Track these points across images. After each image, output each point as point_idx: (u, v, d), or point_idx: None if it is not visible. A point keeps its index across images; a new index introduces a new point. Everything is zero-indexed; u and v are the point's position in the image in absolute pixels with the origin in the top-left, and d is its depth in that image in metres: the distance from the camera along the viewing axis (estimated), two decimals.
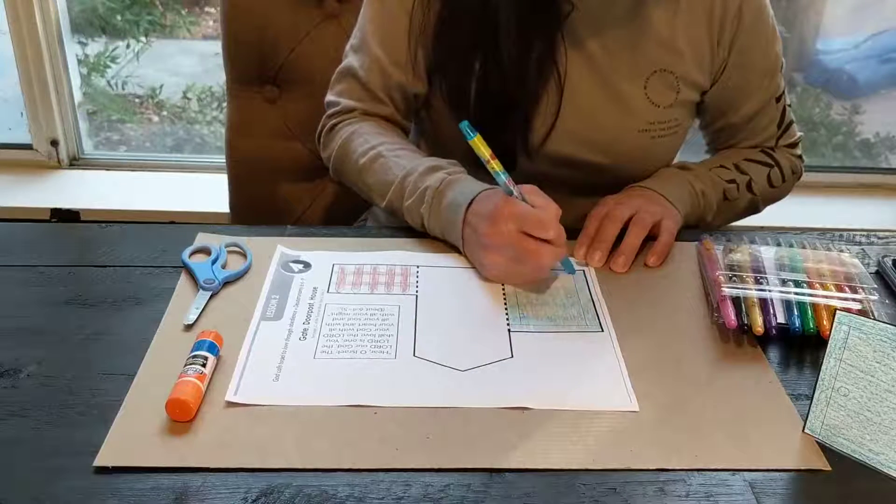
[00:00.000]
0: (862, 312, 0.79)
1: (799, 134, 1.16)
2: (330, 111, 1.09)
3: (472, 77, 1.00)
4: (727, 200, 1.07)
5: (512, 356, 0.78)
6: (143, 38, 2.08)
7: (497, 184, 0.88)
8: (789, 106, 1.13)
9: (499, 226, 0.84)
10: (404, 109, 1.07)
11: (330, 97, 1.09)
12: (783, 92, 1.11)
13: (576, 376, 0.76)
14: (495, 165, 0.86)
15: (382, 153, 0.99)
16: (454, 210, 0.89)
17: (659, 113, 1.04)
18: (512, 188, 0.86)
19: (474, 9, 0.98)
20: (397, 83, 1.04)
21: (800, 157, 1.17)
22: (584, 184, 1.07)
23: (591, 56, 1.01)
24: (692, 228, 1.02)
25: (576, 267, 0.91)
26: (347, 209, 1.26)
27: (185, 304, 0.83)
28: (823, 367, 0.68)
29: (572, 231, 0.96)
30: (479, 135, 0.85)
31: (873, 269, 0.94)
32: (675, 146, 1.10)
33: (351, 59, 1.06)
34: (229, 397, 0.71)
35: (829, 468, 0.67)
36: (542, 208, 0.85)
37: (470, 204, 0.88)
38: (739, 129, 1.12)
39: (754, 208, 1.13)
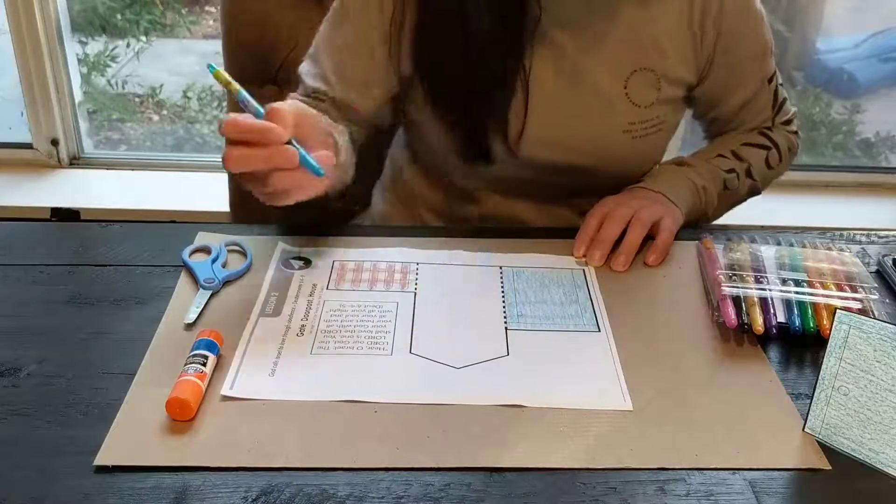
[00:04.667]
0: (862, 311, 0.79)
1: (793, 109, 1.15)
2: None
3: (452, 81, 0.99)
4: (727, 190, 1.07)
5: (508, 354, 0.78)
6: (143, 38, 2.08)
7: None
8: (781, 85, 1.12)
9: None
10: (340, 122, 0.99)
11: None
12: (774, 72, 1.10)
13: (570, 375, 0.76)
14: (231, 88, 0.77)
15: None
16: None
17: (640, 112, 1.02)
18: (247, 105, 0.77)
19: (450, 16, 0.96)
20: (335, 97, 0.99)
21: (796, 132, 1.16)
22: (575, 188, 1.07)
23: (566, 59, 1.00)
24: (693, 227, 1.02)
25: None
26: (348, 209, 1.26)
27: (185, 303, 0.83)
28: (823, 367, 0.68)
29: (571, 231, 0.96)
30: (219, 69, 0.77)
31: (873, 268, 0.94)
32: (662, 143, 1.08)
33: (303, 64, 1.03)
34: (225, 391, 0.72)
35: (829, 467, 0.67)
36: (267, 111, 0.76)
37: None
38: (734, 116, 1.11)
39: (754, 192, 1.13)
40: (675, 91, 1.04)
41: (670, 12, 1.00)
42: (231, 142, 0.74)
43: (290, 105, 0.79)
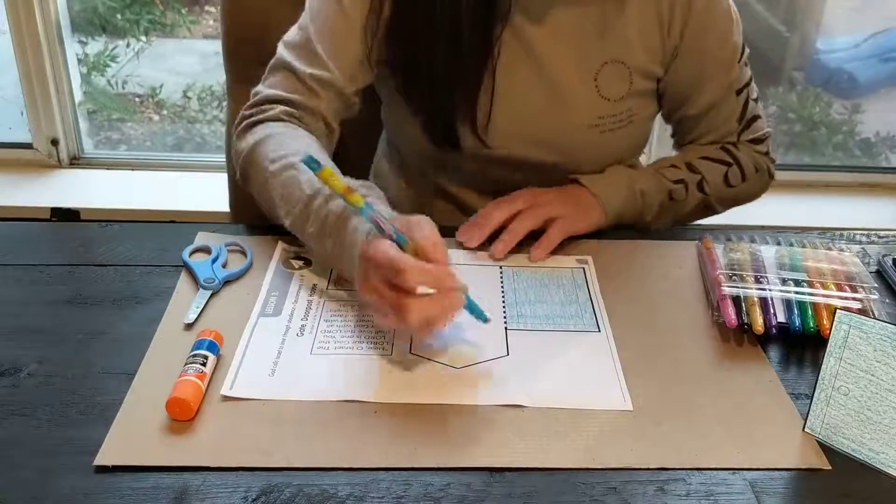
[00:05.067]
0: (862, 311, 0.79)
1: (766, 130, 1.11)
2: (251, 101, 1.00)
3: (419, 72, 0.99)
4: (673, 201, 1.05)
5: (508, 354, 0.78)
6: (143, 38, 2.08)
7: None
8: (755, 101, 1.09)
9: (363, 274, 0.74)
10: (336, 108, 0.99)
11: (257, 88, 1.01)
12: (746, 85, 1.07)
13: (570, 375, 0.76)
14: (353, 200, 0.75)
15: (295, 164, 0.87)
16: (352, 246, 0.78)
17: (609, 106, 1.02)
18: (381, 224, 0.74)
19: (422, 6, 0.95)
20: (331, 83, 0.98)
21: (766, 154, 1.12)
22: (544, 186, 1.07)
23: (535, 51, 0.99)
24: (633, 228, 1.02)
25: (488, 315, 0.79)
26: None
27: (185, 303, 0.83)
28: (823, 367, 0.68)
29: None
30: (326, 167, 0.75)
31: (873, 268, 0.94)
32: (634, 137, 1.07)
33: (284, 54, 0.99)
34: (225, 391, 0.72)
35: (829, 467, 0.67)
36: (418, 245, 0.74)
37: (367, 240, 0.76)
38: (697, 121, 1.09)
39: (709, 208, 1.10)
40: (647, 84, 1.04)
41: (641, 4, 0.99)
42: (398, 289, 0.71)
43: (434, 230, 0.76)
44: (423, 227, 0.75)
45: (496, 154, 1.03)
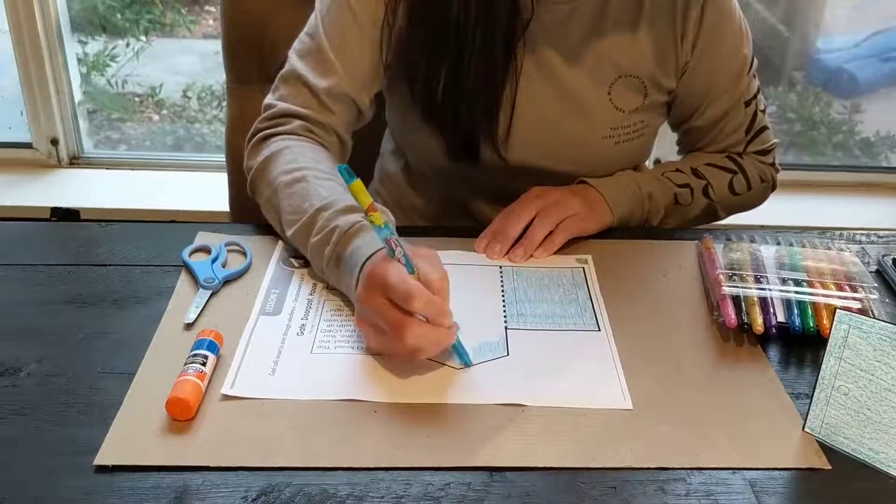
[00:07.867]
0: (862, 311, 0.79)
1: (773, 141, 1.12)
2: (265, 114, 0.99)
3: (438, 86, 0.98)
4: (678, 204, 1.05)
5: (508, 354, 0.78)
6: (143, 37, 2.08)
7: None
8: (763, 111, 1.09)
9: (369, 289, 0.74)
10: (348, 120, 1.00)
11: (269, 100, 1.00)
12: (754, 96, 1.07)
13: (571, 374, 0.76)
14: (374, 218, 0.74)
15: (307, 177, 0.88)
16: (353, 261, 0.79)
17: (623, 118, 1.02)
18: (394, 247, 0.74)
19: (436, 17, 0.95)
20: (345, 93, 0.98)
21: (772, 164, 1.13)
22: None
23: (549, 65, 1.00)
24: (632, 228, 1.02)
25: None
26: None
27: (185, 302, 0.83)
28: (823, 366, 0.68)
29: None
30: (358, 179, 0.73)
31: (873, 267, 0.94)
32: (643, 147, 1.08)
33: (297, 64, 0.98)
34: (225, 391, 0.72)
35: (829, 467, 0.68)
36: (423, 276, 0.74)
37: (370, 257, 0.78)
38: (705, 132, 1.09)
39: (713, 214, 1.10)
40: (660, 96, 1.04)
41: (655, 18, 1.00)
42: (402, 311, 0.72)
43: (440, 265, 0.77)
44: (431, 260, 0.77)
45: (511, 165, 1.03)
